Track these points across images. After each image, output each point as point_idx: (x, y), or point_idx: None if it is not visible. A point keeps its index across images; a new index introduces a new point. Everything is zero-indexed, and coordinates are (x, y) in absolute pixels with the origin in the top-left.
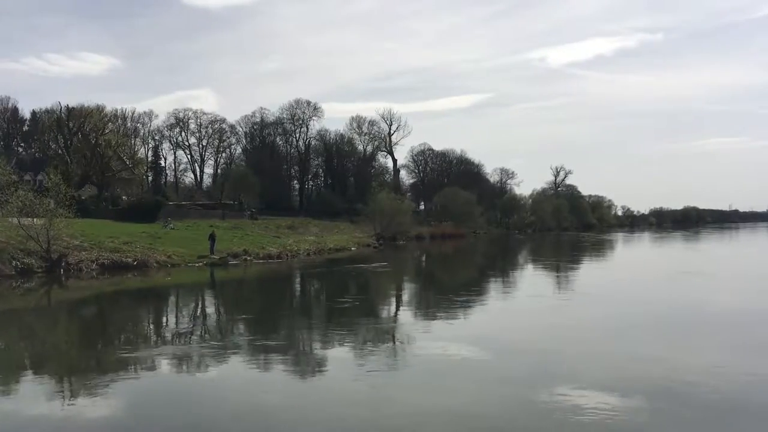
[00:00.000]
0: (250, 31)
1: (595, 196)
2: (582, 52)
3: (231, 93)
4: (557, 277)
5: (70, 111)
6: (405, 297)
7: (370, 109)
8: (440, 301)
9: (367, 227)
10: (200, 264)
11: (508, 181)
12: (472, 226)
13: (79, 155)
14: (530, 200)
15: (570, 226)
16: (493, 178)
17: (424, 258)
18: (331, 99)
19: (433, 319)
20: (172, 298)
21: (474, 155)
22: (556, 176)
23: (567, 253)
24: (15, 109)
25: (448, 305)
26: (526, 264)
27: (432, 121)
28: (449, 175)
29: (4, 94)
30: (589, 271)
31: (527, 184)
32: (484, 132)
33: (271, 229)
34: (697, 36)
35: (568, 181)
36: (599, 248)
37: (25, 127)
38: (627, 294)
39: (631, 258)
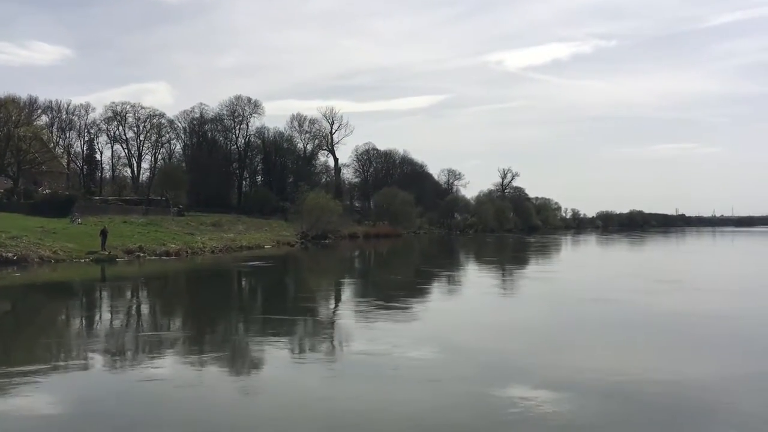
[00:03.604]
0: (208, 25)
1: (542, 198)
2: (539, 56)
3: (187, 87)
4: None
5: None
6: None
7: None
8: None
9: (299, 226)
10: (86, 260)
11: (455, 183)
12: (410, 226)
13: None
14: (473, 201)
15: (514, 227)
16: (441, 179)
17: (332, 257)
18: (290, 96)
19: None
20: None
21: (422, 156)
22: (503, 178)
23: (490, 252)
24: None
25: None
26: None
27: (391, 120)
28: (393, 176)
29: None
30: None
31: (480, 185)
32: (441, 132)
33: (192, 225)
34: (650, 44)
35: (516, 183)
36: (522, 249)
37: None
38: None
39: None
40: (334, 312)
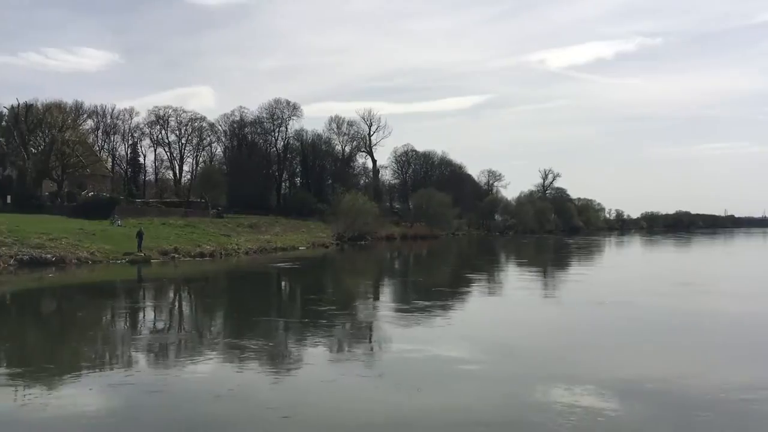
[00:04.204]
0: (250, 29)
1: (584, 199)
2: (582, 55)
3: (230, 91)
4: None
5: (29, 108)
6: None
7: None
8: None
9: (335, 227)
10: (122, 261)
11: (495, 184)
12: (447, 228)
13: (38, 152)
14: (513, 202)
15: (554, 229)
16: (480, 180)
17: (366, 258)
18: (329, 98)
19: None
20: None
21: (461, 157)
22: (544, 179)
23: (526, 254)
24: None
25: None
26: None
27: (430, 122)
28: (431, 177)
29: None
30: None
31: (521, 186)
32: (481, 133)
33: (229, 227)
34: (697, 40)
35: (557, 184)
36: (560, 250)
37: (3, 123)
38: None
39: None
40: (367, 313)
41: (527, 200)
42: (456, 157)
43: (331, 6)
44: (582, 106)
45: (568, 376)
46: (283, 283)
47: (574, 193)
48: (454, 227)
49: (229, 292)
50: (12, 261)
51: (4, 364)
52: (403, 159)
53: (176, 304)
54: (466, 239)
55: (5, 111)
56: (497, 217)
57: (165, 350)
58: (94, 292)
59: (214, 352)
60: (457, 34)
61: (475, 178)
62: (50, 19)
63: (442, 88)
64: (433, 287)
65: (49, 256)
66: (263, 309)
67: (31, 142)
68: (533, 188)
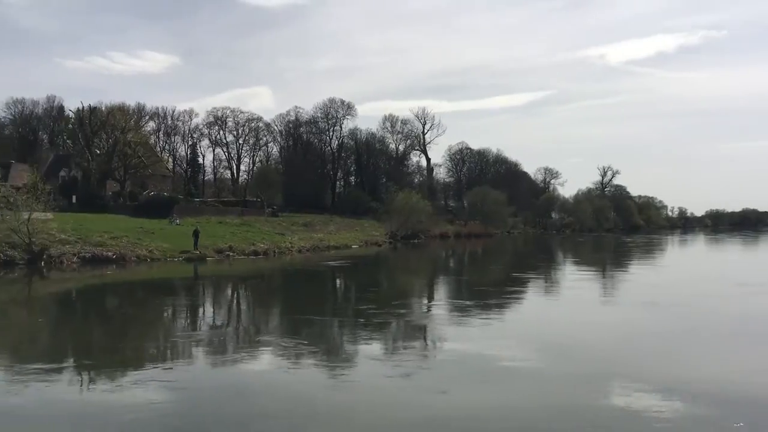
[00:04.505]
0: (307, 29)
1: (645, 197)
2: (643, 49)
3: (287, 91)
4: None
5: (93, 111)
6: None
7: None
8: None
9: (388, 226)
10: (179, 259)
11: (552, 181)
12: (502, 226)
13: (101, 153)
14: (571, 200)
15: (614, 227)
16: (537, 177)
17: (418, 256)
18: (385, 97)
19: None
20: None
21: (517, 154)
22: (603, 176)
23: (582, 252)
24: (61, 107)
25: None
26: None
27: (485, 119)
28: (486, 175)
29: (51, 93)
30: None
31: (579, 184)
32: (538, 130)
33: (283, 226)
34: (764, 33)
35: (617, 181)
36: (618, 249)
37: (70, 125)
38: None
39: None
40: (420, 311)
41: (585, 198)
42: (511, 154)
43: (386, 6)
44: (643, 102)
45: (623, 376)
46: (336, 281)
47: (635, 190)
48: (509, 225)
49: (282, 289)
50: (75, 259)
51: (71, 359)
52: (458, 157)
53: (232, 301)
54: (521, 238)
55: (71, 114)
56: (554, 215)
57: (223, 346)
58: (153, 288)
59: (269, 349)
60: (513, 30)
61: (531, 176)
62: (115, 24)
63: (497, 86)
64: (486, 286)
65: (109, 253)
66: (315, 307)
67: (95, 144)
68: (591, 186)
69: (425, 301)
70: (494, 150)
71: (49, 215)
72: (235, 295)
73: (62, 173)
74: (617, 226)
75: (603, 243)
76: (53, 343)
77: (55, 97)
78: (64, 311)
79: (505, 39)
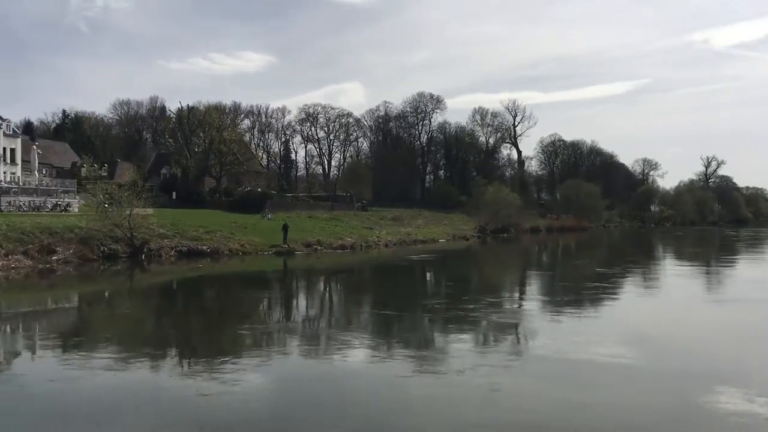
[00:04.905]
0: (396, 24)
1: (753, 188)
2: (752, 32)
3: (378, 86)
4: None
5: (191, 110)
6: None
7: (511, 100)
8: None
9: (477, 220)
10: (269, 253)
11: (650, 173)
12: (597, 219)
13: (199, 150)
14: (671, 192)
15: (719, 220)
16: (634, 169)
17: (507, 251)
18: (476, 90)
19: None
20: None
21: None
22: (707, 167)
23: (686, 247)
24: (163, 108)
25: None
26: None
27: (580, 110)
28: (580, 167)
29: (154, 94)
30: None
31: (680, 175)
32: (635, 120)
33: (372, 220)
34: None
35: (722, 172)
36: (722, 243)
37: (171, 124)
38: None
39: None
40: (511, 306)
41: (686, 189)
42: (607, 146)
43: None
44: (751, 87)
45: (731, 376)
46: (423, 275)
47: (742, 181)
48: (604, 219)
49: (370, 283)
50: (173, 252)
51: (174, 348)
52: (550, 149)
53: (321, 293)
54: (617, 231)
55: (172, 114)
56: (653, 207)
57: (316, 338)
58: (246, 281)
59: (360, 341)
60: (610, 16)
61: (629, 168)
62: (216, 26)
63: (593, 75)
64: (580, 281)
65: (204, 247)
66: (404, 300)
67: (193, 142)
68: (694, 177)
69: (515, 296)
70: (588, 141)
71: (149, 211)
72: (324, 288)
73: (163, 171)
74: (722, 219)
75: (705, 237)
76: (157, 332)
77: (157, 97)
78: (165, 302)
79: (602, 27)
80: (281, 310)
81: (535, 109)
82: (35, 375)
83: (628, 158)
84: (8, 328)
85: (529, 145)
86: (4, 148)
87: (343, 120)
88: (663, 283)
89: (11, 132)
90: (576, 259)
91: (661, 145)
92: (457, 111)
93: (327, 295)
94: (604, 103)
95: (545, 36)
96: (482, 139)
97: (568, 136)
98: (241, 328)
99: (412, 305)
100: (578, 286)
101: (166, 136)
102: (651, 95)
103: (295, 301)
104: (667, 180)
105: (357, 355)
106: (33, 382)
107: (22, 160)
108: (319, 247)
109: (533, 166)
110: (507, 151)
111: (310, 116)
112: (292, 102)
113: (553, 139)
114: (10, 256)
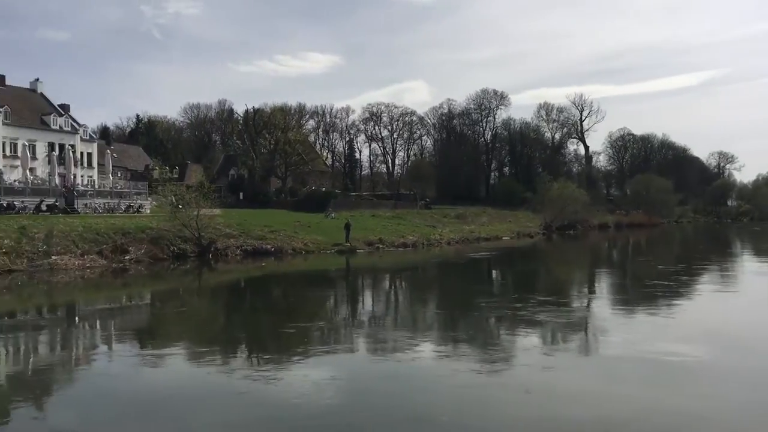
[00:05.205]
0: (459, 21)
1: None
2: None
3: (443, 83)
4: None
5: (256, 112)
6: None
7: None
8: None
9: (542, 217)
10: (331, 251)
11: (726, 166)
12: (668, 215)
13: (265, 151)
14: (749, 186)
15: None
16: (709, 162)
17: (573, 248)
18: (542, 84)
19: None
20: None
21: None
22: None
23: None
24: (231, 110)
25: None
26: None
27: (650, 102)
28: (651, 161)
29: (223, 97)
30: None
31: (760, 168)
32: (710, 112)
33: (435, 218)
34: None
35: None
36: None
37: (240, 126)
38: None
39: None
40: (578, 304)
41: (766, 183)
42: (679, 139)
43: None
44: None
45: None
46: (489, 273)
47: None
48: (676, 214)
49: (431, 280)
50: (238, 251)
51: (244, 344)
52: (619, 143)
53: (382, 291)
54: (690, 227)
55: (239, 117)
56: (729, 202)
57: (383, 336)
58: (310, 279)
59: (428, 339)
60: (682, 6)
61: (703, 161)
62: (283, 29)
63: (665, 66)
64: (651, 278)
65: (268, 246)
66: (468, 298)
67: (259, 144)
68: None
69: (584, 294)
70: (659, 135)
71: (217, 211)
72: (386, 286)
73: (231, 172)
74: None
75: None
76: (227, 328)
77: (225, 100)
78: (234, 299)
79: (673, 16)
80: (345, 307)
81: (603, 102)
82: (113, 369)
83: (702, 151)
84: (87, 325)
85: (597, 140)
86: (82, 153)
87: (407, 118)
88: (741, 281)
89: (88, 137)
90: (646, 256)
91: (738, 138)
92: (521, 107)
93: (390, 292)
94: (676, 94)
95: (615, 28)
96: (548, 134)
97: (638, 130)
98: (307, 325)
99: (475, 303)
100: (651, 284)
101: (234, 138)
102: (726, 86)
103: (359, 299)
104: (745, 174)
105: (422, 353)
106: (112, 377)
107: (98, 164)
108: (380, 246)
109: (601, 162)
110: (573, 146)
111: (373, 115)
112: (356, 102)
113: (622, 133)
114: (85, 256)
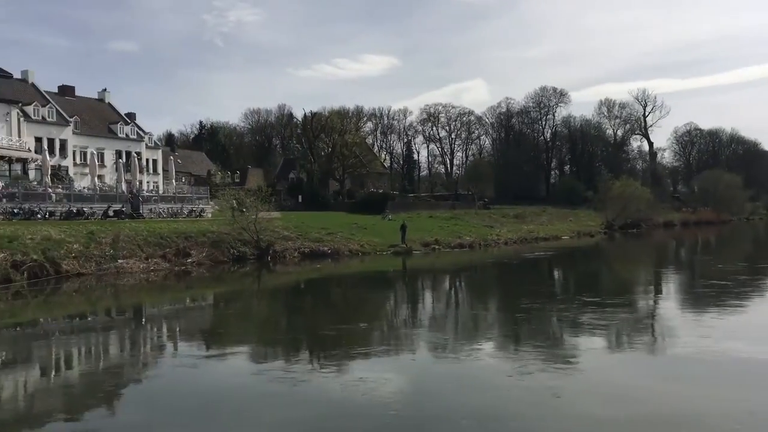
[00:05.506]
0: (516, 18)
1: None
2: None
3: (502, 82)
4: None
5: (314, 115)
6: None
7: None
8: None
9: (604, 215)
10: (387, 253)
11: None
12: (738, 212)
13: (323, 155)
14: None
15: None
16: None
17: (634, 248)
18: (603, 81)
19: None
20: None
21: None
22: None
23: None
24: (290, 114)
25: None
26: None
27: (718, 96)
28: (719, 157)
29: (282, 102)
30: None
31: None
32: None
33: (493, 218)
34: None
35: None
36: None
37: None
38: None
39: None
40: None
41: None
42: (749, 133)
43: None
44: None
45: None
46: (549, 273)
47: None
48: (747, 211)
49: (488, 280)
50: (296, 253)
51: (305, 343)
52: (686, 139)
53: (439, 291)
54: (762, 224)
55: (298, 121)
56: None
57: (443, 336)
58: (368, 280)
59: (490, 342)
60: None
61: None
62: (340, 33)
63: (735, 58)
64: (719, 278)
65: (325, 248)
66: (528, 298)
67: (318, 147)
68: None
69: (650, 294)
70: (728, 129)
71: (276, 214)
72: (444, 287)
73: (291, 175)
74: None
75: None
76: (288, 328)
77: (285, 105)
78: (293, 300)
79: (743, 6)
80: (403, 308)
81: (667, 98)
82: (178, 367)
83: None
84: (153, 326)
85: (662, 136)
86: (147, 159)
87: (465, 118)
88: None
89: (153, 144)
90: (715, 254)
91: None
92: (581, 104)
93: (449, 293)
94: (746, 87)
95: (680, 20)
96: (609, 131)
97: (705, 125)
98: (366, 326)
99: (536, 304)
100: (720, 284)
101: (293, 142)
102: None
103: (417, 300)
104: None
105: (483, 353)
106: (176, 375)
107: (163, 170)
108: (437, 246)
109: (667, 158)
110: (637, 143)
111: (431, 116)
112: (413, 103)
113: (688, 128)
114: (150, 260)
